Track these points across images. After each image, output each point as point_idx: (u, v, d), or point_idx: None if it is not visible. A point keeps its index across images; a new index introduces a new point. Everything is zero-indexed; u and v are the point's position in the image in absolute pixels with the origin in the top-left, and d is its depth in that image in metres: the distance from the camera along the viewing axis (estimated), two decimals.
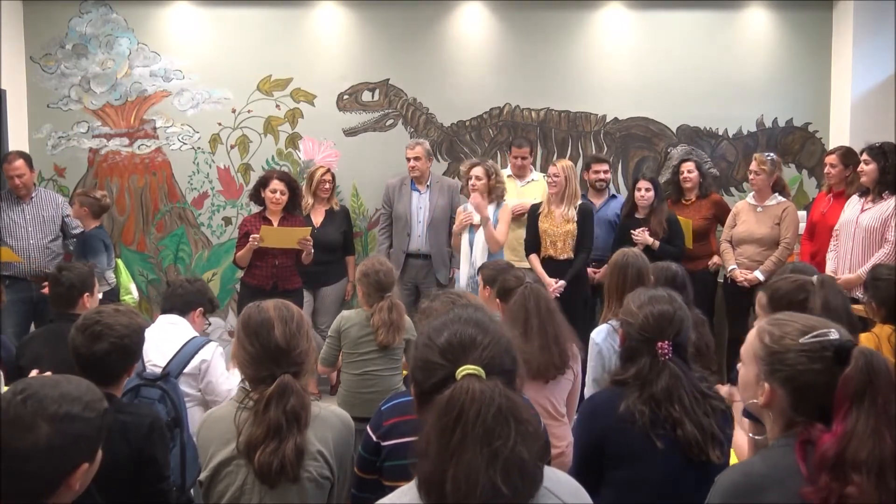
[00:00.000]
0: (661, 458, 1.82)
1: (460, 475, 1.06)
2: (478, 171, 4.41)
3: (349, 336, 3.27)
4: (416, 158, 4.84)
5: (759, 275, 4.33)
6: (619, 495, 1.88)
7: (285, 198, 4.40)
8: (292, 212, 4.51)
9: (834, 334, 1.34)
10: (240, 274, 4.61)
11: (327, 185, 4.90)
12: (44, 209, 4.51)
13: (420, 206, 4.89)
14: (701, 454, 1.81)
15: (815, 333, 1.34)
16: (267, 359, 1.83)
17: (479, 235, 4.35)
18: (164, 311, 3.03)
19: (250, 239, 4.23)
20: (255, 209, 4.65)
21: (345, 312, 3.38)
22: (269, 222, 4.43)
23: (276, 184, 4.38)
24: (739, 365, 1.48)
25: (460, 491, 1.06)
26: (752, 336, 1.45)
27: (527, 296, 2.62)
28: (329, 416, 1.91)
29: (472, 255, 4.37)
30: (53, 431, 1.21)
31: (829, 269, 4.05)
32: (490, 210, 4.39)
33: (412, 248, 4.86)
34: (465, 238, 4.40)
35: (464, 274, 4.40)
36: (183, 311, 3.01)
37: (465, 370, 1.14)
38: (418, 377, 1.23)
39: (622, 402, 1.87)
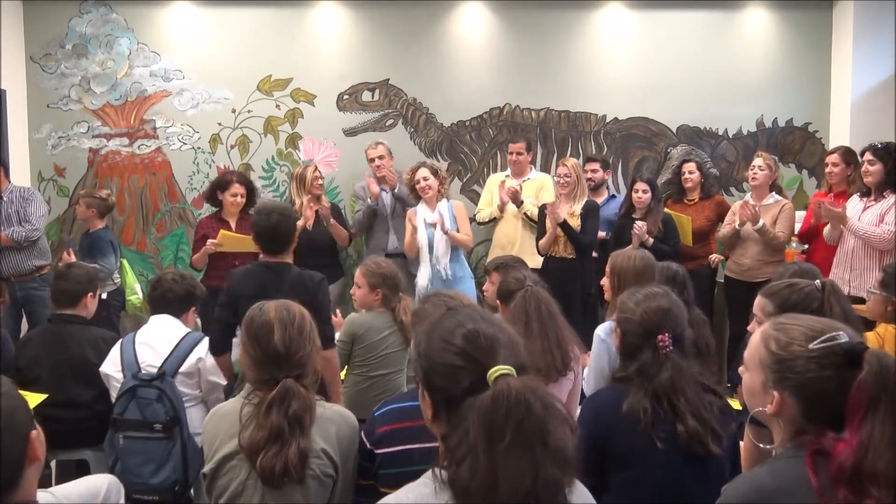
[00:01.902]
0: (663, 458, 1.82)
1: (519, 475, 1.06)
2: (423, 171, 4.41)
3: (365, 341, 3.15)
4: (381, 157, 4.84)
5: (761, 222, 4.30)
6: (621, 497, 1.87)
7: (244, 200, 4.47)
8: (248, 211, 4.54)
9: (843, 337, 1.29)
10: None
11: (320, 182, 4.80)
12: (12, 205, 4.38)
13: (392, 204, 4.85)
14: (701, 448, 1.81)
15: (824, 338, 1.29)
16: (268, 363, 1.84)
17: (439, 233, 4.35)
18: (155, 313, 2.95)
19: (208, 243, 4.23)
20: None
21: (356, 317, 3.27)
22: (227, 223, 4.45)
23: (237, 188, 4.44)
24: (741, 369, 1.44)
25: (521, 489, 1.05)
26: (756, 342, 1.39)
27: (528, 299, 2.59)
28: (333, 415, 1.91)
29: (432, 255, 4.35)
30: None
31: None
32: (443, 206, 4.40)
33: (391, 248, 4.83)
34: (423, 238, 4.39)
35: (423, 276, 4.37)
36: (176, 313, 2.95)
37: (498, 371, 1.11)
38: (441, 383, 1.18)
39: (625, 401, 1.86)
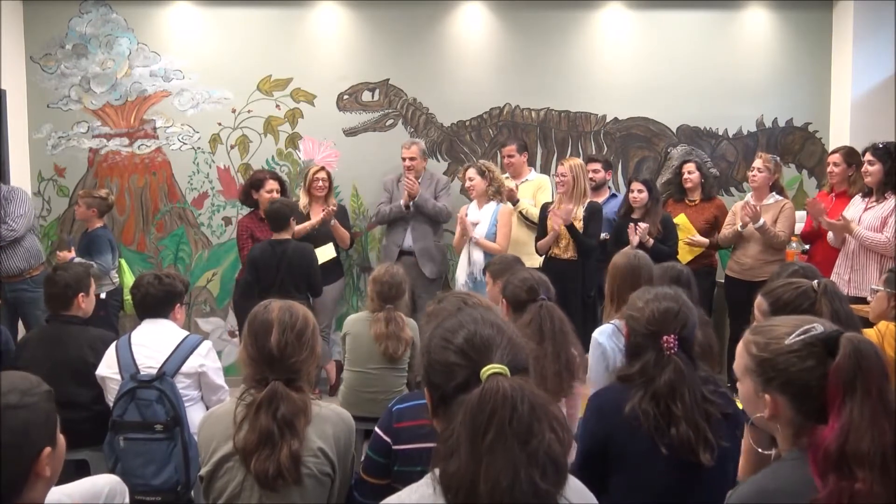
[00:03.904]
0: (664, 462, 1.80)
1: (497, 474, 1.05)
2: (470, 172, 4.47)
3: (352, 336, 3.37)
4: (412, 158, 4.86)
5: (762, 221, 4.30)
6: (620, 498, 1.86)
7: (279, 196, 4.61)
8: None
9: (819, 328, 1.30)
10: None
11: (321, 183, 4.86)
12: None
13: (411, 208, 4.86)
14: (691, 455, 1.78)
15: (800, 331, 1.31)
16: (261, 362, 1.85)
17: (475, 235, 4.37)
18: (141, 316, 2.90)
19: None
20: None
21: (352, 315, 3.50)
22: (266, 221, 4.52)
23: (271, 184, 4.66)
24: (739, 383, 1.44)
25: (498, 489, 1.05)
26: (740, 350, 1.41)
27: (543, 316, 2.54)
28: (330, 413, 1.91)
29: (469, 252, 4.37)
30: None
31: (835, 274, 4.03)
32: (490, 208, 4.40)
33: (406, 245, 4.87)
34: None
35: (461, 272, 4.41)
36: (161, 315, 2.90)
37: (491, 369, 1.13)
38: (437, 380, 1.20)
39: (627, 402, 1.84)
